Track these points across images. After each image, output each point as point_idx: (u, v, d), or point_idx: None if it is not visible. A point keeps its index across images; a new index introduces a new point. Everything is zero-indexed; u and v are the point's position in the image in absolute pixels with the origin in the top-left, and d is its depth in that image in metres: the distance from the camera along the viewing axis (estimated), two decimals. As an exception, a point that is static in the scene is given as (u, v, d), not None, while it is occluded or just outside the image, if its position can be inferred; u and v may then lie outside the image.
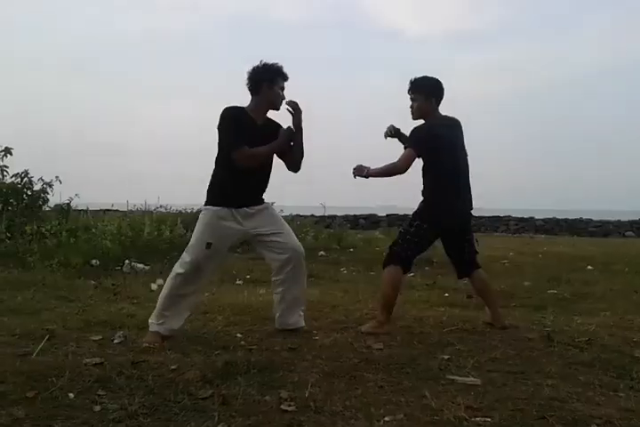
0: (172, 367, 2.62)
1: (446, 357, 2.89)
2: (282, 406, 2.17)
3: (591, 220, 23.80)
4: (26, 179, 8.15)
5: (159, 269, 6.58)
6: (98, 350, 2.95)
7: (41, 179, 8.29)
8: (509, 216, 24.82)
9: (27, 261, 6.18)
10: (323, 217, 22.77)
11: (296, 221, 12.18)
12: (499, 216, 24.81)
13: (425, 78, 3.53)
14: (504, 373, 2.66)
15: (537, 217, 24.41)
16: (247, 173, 3.20)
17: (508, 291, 5.33)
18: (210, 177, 3.33)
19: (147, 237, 7.82)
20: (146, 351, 2.92)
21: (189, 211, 10.76)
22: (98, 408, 2.14)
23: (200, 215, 3.34)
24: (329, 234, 10.99)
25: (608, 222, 23.16)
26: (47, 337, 3.10)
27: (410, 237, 3.50)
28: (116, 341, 3.14)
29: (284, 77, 3.29)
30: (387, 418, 2.07)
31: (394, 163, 3.46)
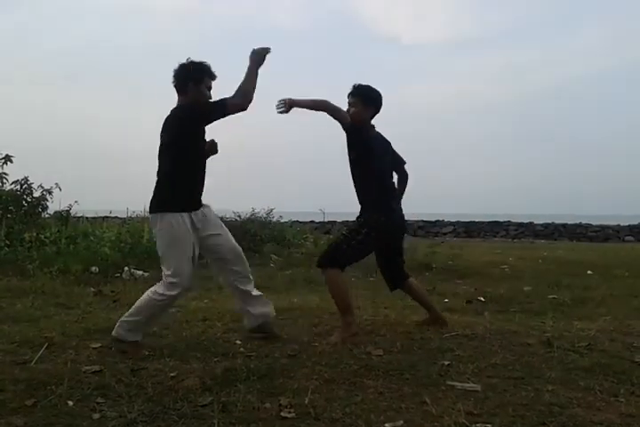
0: (172, 375, 2.62)
1: (446, 362, 2.89)
2: (282, 413, 2.16)
3: (590, 224, 23.83)
4: (25, 186, 8.16)
5: (158, 275, 6.57)
6: (97, 357, 2.95)
7: (40, 186, 8.30)
8: (509, 221, 24.85)
9: (26, 268, 6.17)
10: (322, 223, 22.79)
11: (295, 227, 12.18)
12: (498, 221, 24.83)
13: (371, 88, 3.51)
14: (504, 378, 2.65)
15: (536, 222, 24.43)
16: (200, 170, 3.19)
17: (507, 296, 5.33)
18: (159, 182, 3.16)
19: (146, 243, 7.81)
20: (145, 359, 2.92)
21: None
22: (97, 416, 2.13)
23: (161, 226, 3.07)
24: (328, 240, 10.98)
25: (607, 227, 23.18)
26: (46, 345, 3.09)
27: (355, 243, 3.46)
28: (114, 348, 3.13)
29: (212, 76, 3.22)
30: (387, 425, 2.06)
31: (334, 105, 3.37)
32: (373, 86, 3.51)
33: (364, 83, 3.50)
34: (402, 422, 2.09)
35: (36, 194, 8.23)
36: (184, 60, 3.17)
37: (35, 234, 7.17)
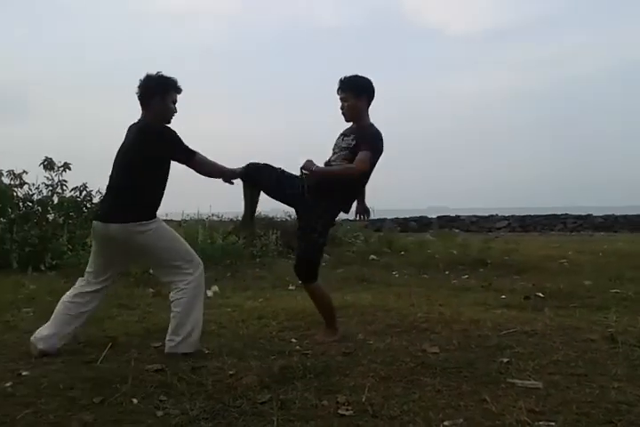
0: (230, 373, 2.67)
1: (505, 360, 2.83)
2: (339, 411, 2.17)
3: (653, 215, 22.84)
4: (84, 192, 8.50)
5: (213, 276, 6.72)
6: (158, 356, 3.04)
7: (99, 191, 8.62)
8: (566, 214, 24.09)
9: (88, 271, 6.41)
10: (372, 220, 22.70)
11: (346, 225, 12.17)
12: (555, 214, 24.12)
13: (358, 77, 3.33)
14: (566, 375, 2.58)
15: (595, 214, 23.60)
16: (164, 182, 3.15)
17: (567, 291, 5.16)
18: (130, 194, 3.06)
19: (200, 245, 7.98)
20: (204, 357, 2.99)
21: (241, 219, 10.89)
22: (160, 413, 2.20)
23: (152, 226, 3.05)
24: (379, 237, 10.93)
25: (672, 217, 22.16)
26: (110, 345, 3.21)
27: (322, 247, 3.35)
28: None
29: (177, 90, 3.16)
30: (446, 422, 2.04)
31: (349, 165, 3.18)
32: (360, 75, 3.32)
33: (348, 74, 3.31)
34: (461, 420, 2.07)
35: (95, 200, 8.56)
36: (152, 73, 3.11)
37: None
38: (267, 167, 3.32)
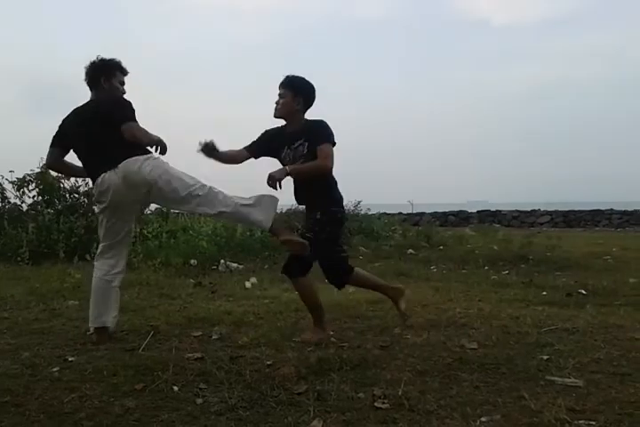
0: (268, 363, 2.71)
1: (545, 357, 2.79)
2: (375, 404, 2.18)
3: None
4: (129, 184, 8.70)
5: (252, 268, 6.81)
6: (198, 345, 3.10)
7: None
8: (612, 209, 23.39)
9: (131, 261, 6.58)
10: (410, 214, 22.57)
11: (383, 219, 12.12)
12: (599, 210, 23.45)
13: (300, 79, 3.28)
14: (608, 374, 2.52)
15: (643, 209, 22.83)
16: None
17: (611, 288, 5.04)
18: (115, 145, 3.02)
19: (239, 237, 8.09)
20: (242, 347, 3.04)
21: (279, 211, 11.01)
22: (200, 401, 2.25)
23: (149, 160, 3.02)
24: (417, 231, 10.86)
25: None
26: (152, 333, 3.30)
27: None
28: (214, 337, 3.28)
29: (123, 71, 3.21)
30: (483, 418, 2.03)
31: (317, 162, 3.13)
32: (306, 79, 3.28)
33: (296, 74, 3.29)
34: (499, 416, 2.05)
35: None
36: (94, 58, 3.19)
37: (138, 229, 7.62)
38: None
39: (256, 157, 3.42)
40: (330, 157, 3.16)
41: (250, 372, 2.57)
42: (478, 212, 24.11)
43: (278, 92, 3.28)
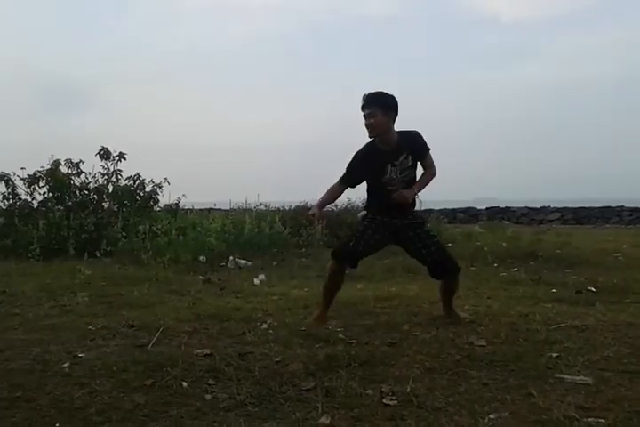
0: (277, 359, 2.72)
1: (554, 355, 2.78)
2: (384, 400, 2.19)
3: None
4: (138, 181, 8.76)
5: (260, 264, 6.82)
6: (207, 341, 3.12)
7: (151, 181, 8.86)
8: (622, 206, 23.20)
9: (141, 258, 6.62)
10: (419, 211, 22.49)
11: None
12: (610, 206, 23.27)
13: (383, 93, 3.30)
14: (618, 372, 2.51)
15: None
16: None
17: (621, 286, 4.99)
18: None
19: (248, 234, 8.11)
20: (251, 343, 3.05)
21: (287, 208, 11.02)
22: (209, 397, 2.26)
23: None
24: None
25: None
26: (161, 329, 3.32)
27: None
28: (263, 326, 3.37)
29: None
30: (492, 416, 2.03)
31: (429, 170, 3.52)
32: (386, 92, 3.31)
33: (373, 91, 3.30)
34: (507, 413, 2.05)
35: (148, 189, 8.80)
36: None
37: (148, 226, 7.66)
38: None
39: (353, 187, 3.50)
40: (433, 164, 3.53)
41: (258, 368, 2.58)
42: (487, 209, 23.99)
43: (365, 111, 3.27)
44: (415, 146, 3.40)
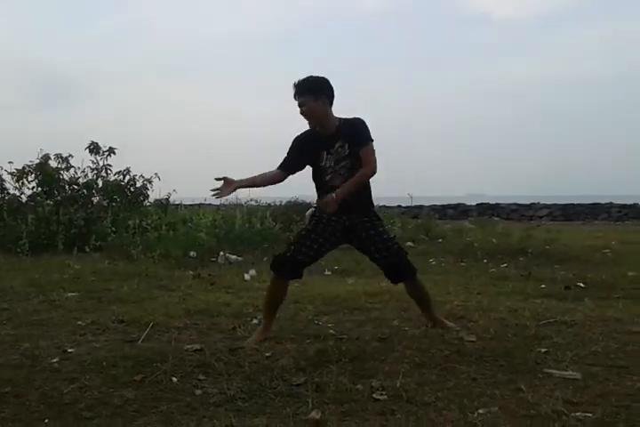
0: (267, 354, 2.72)
1: (543, 350, 2.80)
2: (374, 395, 2.19)
3: None
4: (128, 176, 8.70)
5: (251, 260, 6.81)
6: (197, 337, 3.11)
7: (141, 176, 8.81)
8: (611, 203, 23.40)
9: (131, 253, 6.59)
10: (410, 207, 22.56)
11: (382, 212, 12.12)
12: (599, 203, 23.46)
13: (312, 79, 3.09)
14: (606, 367, 2.53)
15: (642, 203, 22.83)
16: None
17: (609, 282, 5.04)
18: None
19: (239, 229, 8.10)
20: (241, 339, 3.05)
21: (278, 203, 11.01)
22: (199, 392, 2.26)
23: None
24: (416, 224, 10.86)
25: None
26: (151, 324, 3.31)
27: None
28: (254, 322, 3.34)
29: None
30: (481, 410, 2.04)
31: (363, 170, 3.04)
32: (314, 75, 3.10)
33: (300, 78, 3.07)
34: (496, 408, 2.06)
35: (138, 184, 8.75)
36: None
37: (138, 221, 7.62)
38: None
39: (293, 173, 3.24)
40: (374, 160, 3.06)
41: (249, 363, 2.58)
42: (477, 205, 24.11)
43: (297, 100, 3.08)
44: (353, 134, 3.08)
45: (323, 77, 3.12)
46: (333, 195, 2.97)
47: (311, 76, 3.09)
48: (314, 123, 3.14)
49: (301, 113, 3.10)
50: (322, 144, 3.12)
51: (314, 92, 3.05)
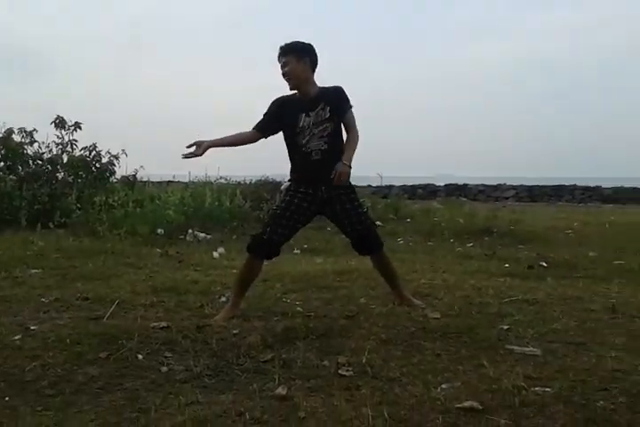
0: (234, 332, 2.72)
1: (505, 327, 2.87)
2: (340, 371, 2.22)
3: (664, 187, 22.59)
4: (94, 152, 8.51)
5: (220, 238, 6.78)
6: (164, 314, 3.09)
7: (108, 152, 8.63)
8: (574, 185, 23.90)
9: (97, 230, 6.49)
10: (380, 187, 22.67)
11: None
12: (563, 185, 23.94)
13: (297, 42, 3.13)
14: (565, 344, 2.61)
15: (604, 186, 23.40)
16: None
17: (571, 261, 5.18)
18: None
19: (208, 207, 8.03)
20: (209, 316, 3.04)
21: (248, 182, 10.94)
22: (165, 369, 2.26)
23: None
24: (386, 204, 10.93)
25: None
26: (117, 302, 3.27)
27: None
28: (222, 299, 3.32)
29: None
30: (444, 386, 2.08)
31: (353, 134, 3.18)
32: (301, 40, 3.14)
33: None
34: (459, 383, 2.11)
35: (104, 160, 8.57)
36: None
37: (104, 198, 7.49)
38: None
39: (266, 137, 3.23)
40: (355, 123, 3.21)
41: (216, 340, 2.58)
42: (446, 185, 24.36)
43: (281, 61, 3.12)
44: (335, 98, 3.16)
45: (308, 43, 3.16)
46: (343, 162, 3.08)
47: (297, 41, 3.14)
48: (294, 84, 3.15)
49: (283, 74, 3.14)
50: (302, 107, 3.15)
51: (297, 54, 3.10)
